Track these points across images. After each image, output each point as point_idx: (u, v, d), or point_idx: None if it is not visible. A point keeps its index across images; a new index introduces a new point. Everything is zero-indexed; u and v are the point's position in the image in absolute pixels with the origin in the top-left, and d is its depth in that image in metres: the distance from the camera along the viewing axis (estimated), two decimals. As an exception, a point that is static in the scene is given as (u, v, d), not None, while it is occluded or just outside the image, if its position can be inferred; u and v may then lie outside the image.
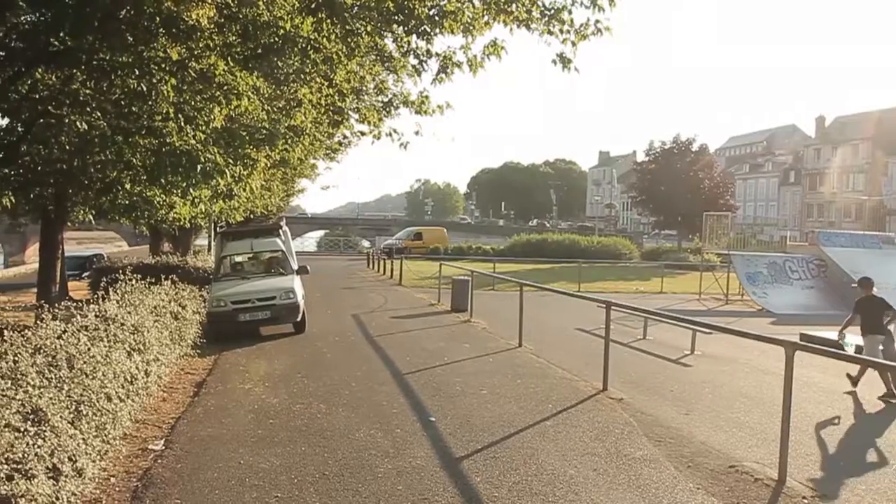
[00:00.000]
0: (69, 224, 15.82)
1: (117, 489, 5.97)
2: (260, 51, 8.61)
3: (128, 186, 11.33)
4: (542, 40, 9.02)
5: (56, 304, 8.35)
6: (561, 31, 8.83)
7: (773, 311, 23.72)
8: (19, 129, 10.88)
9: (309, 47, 8.82)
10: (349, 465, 6.59)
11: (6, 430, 4.36)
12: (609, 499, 5.92)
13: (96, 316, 8.00)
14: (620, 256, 46.06)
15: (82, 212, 14.85)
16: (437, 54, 9.28)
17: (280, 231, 16.71)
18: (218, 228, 18.85)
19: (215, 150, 9.16)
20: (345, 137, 22.70)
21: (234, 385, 9.87)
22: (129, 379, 7.25)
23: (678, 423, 8.42)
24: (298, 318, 14.15)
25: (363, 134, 12.47)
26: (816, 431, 8.51)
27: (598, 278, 32.42)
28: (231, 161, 9.71)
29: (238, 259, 16.40)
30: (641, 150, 62.15)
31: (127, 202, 13.28)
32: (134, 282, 10.35)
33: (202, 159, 8.80)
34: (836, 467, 7.22)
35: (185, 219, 15.42)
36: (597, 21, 8.71)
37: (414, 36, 9.25)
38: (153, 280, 11.20)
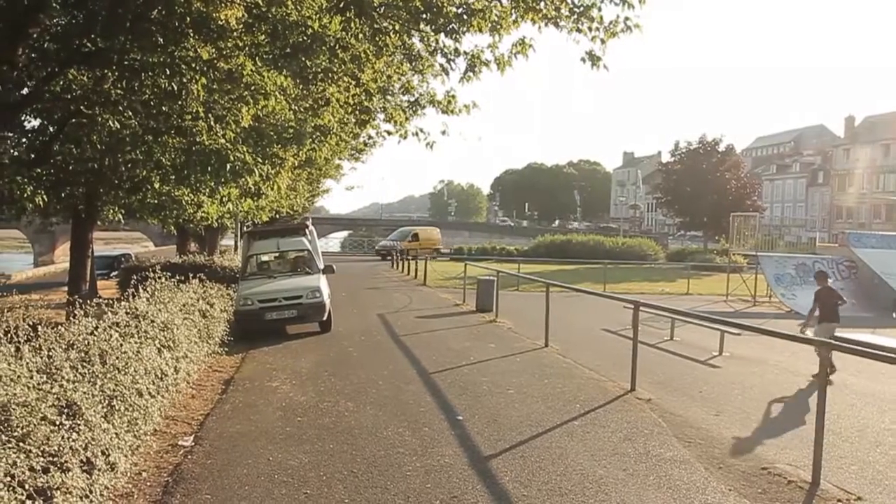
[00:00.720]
0: (99, 223, 15.99)
1: (148, 484, 6.02)
2: (289, 50, 8.64)
3: (157, 186, 11.45)
4: (571, 38, 8.96)
5: (87, 302, 8.44)
6: (590, 28, 8.77)
7: (802, 313, 23.29)
8: (51, 129, 11.05)
9: (337, 46, 8.85)
10: (377, 462, 6.59)
11: (42, 423, 4.41)
12: (640, 499, 5.86)
13: (127, 313, 8.08)
14: (645, 258, 45.68)
15: (112, 211, 15.03)
16: (465, 52, 9.28)
17: (306, 230, 16.80)
18: (244, 228, 18.98)
19: (244, 149, 9.22)
20: (370, 138, 22.81)
21: (262, 383, 9.92)
22: (160, 375, 7.31)
23: (708, 424, 8.32)
24: (324, 317, 14.19)
25: (389, 133, 12.50)
26: (850, 434, 8.36)
27: (623, 279, 32.21)
28: (259, 160, 9.76)
29: (265, 258, 16.50)
30: (666, 151, 61.76)
31: (156, 201, 13.41)
32: (163, 280, 10.43)
33: (231, 158, 8.86)
34: (871, 470, 7.08)
35: (212, 218, 15.54)
36: (626, 18, 8.63)
37: (442, 34, 9.25)
38: (181, 279, 11.29)
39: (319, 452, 6.87)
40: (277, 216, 29.63)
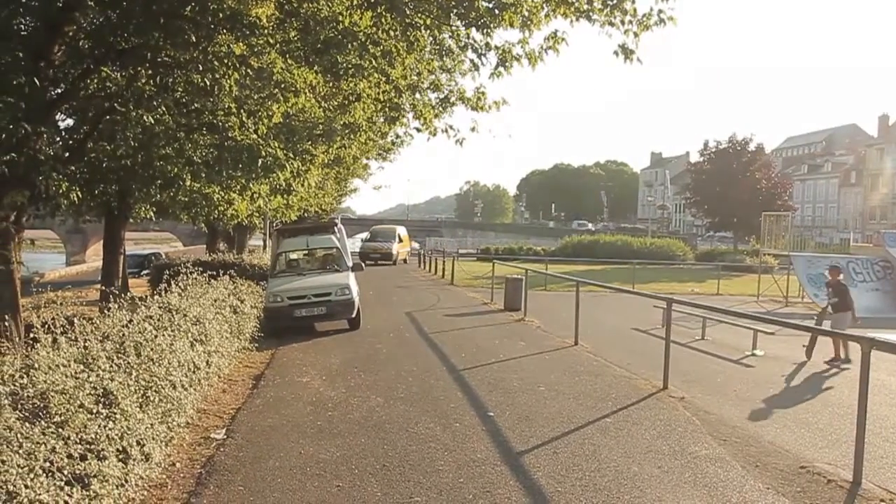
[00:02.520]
0: (131, 221, 16.18)
1: (182, 475, 6.05)
2: (320, 46, 8.65)
3: (188, 183, 11.53)
4: (603, 32, 8.91)
5: (121, 296, 8.53)
6: (623, 21, 8.70)
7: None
8: (85, 127, 11.18)
9: (368, 42, 8.85)
10: (409, 457, 6.56)
11: (80, 410, 4.44)
12: (676, 496, 5.76)
13: (160, 307, 8.14)
14: (674, 258, 45.26)
15: (144, 209, 15.21)
16: (497, 47, 9.22)
17: (335, 229, 16.87)
18: (273, 227, 19.10)
19: (275, 145, 9.26)
20: (398, 137, 22.83)
21: (292, 378, 9.95)
22: (192, 368, 7.35)
23: (742, 423, 8.19)
24: (353, 315, 14.21)
25: (419, 130, 12.43)
26: (891, 434, 8.17)
27: (652, 280, 31.93)
28: (291, 155, 9.80)
29: (294, 256, 16.57)
30: (695, 151, 61.12)
31: (187, 199, 13.53)
32: (196, 275, 10.50)
33: (263, 153, 8.90)
34: (913, 471, 6.92)
35: (242, 216, 15.64)
36: (660, 11, 8.57)
37: (473, 29, 9.22)
38: (212, 274, 11.37)
39: (351, 446, 6.85)
40: (305, 215, 29.79)
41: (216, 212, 14.82)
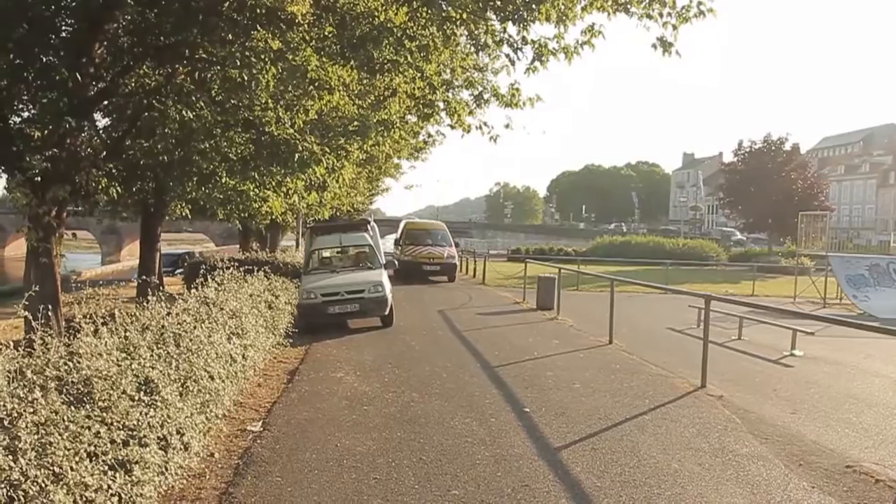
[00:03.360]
0: (167, 218, 16.38)
1: (220, 465, 6.08)
2: (356, 41, 8.66)
3: (224, 179, 11.63)
4: (641, 25, 8.79)
5: (158, 288, 8.62)
6: (661, 14, 8.57)
7: (876, 316, 22.45)
8: (124, 125, 11.33)
9: (404, 36, 8.83)
10: (446, 451, 6.53)
11: (122, 397, 4.47)
12: (718, 494, 5.65)
13: (197, 300, 8.20)
14: (707, 259, 44.64)
15: (179, 206, 15.40)
16: (533, 41, 9.15)
17: (368, 226, 16.92)
18: (307, 225, 19.20)
19: (312, 139, 9.29)
20: (429, 136, 22.84)
21: (327, 373, 9.97)
22: (229, 361, 7.39)
23: (784, 422, 8.02)
24: (386, 312, 14.21)
25: (452, 127, 12.39)
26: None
27: (685, 280, 31.49)
28: (327, 150, 9.83)
29: (327, 253, 16.65)
30: (729, 151, 60.32)
31: (222, 196, 13.65)
32: (232, 270, 10.57)
33: (299, 148, 8.94)
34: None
35: (277, 213, 15.73)
36: (699, 2, 8.43)
37: (509, 23, 9.16)
38: (247, 270, 11.44)
39: (387, 440, 6.83)
40: (338, 214, 29.95)
41: (251, 209, 14.93)
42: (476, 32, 9.25)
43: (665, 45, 8.57)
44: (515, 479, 5.83)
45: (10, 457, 3.10)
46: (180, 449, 5.36)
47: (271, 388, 9.06)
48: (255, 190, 12.79)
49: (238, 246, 31.03)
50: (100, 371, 4.39)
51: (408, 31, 8.88)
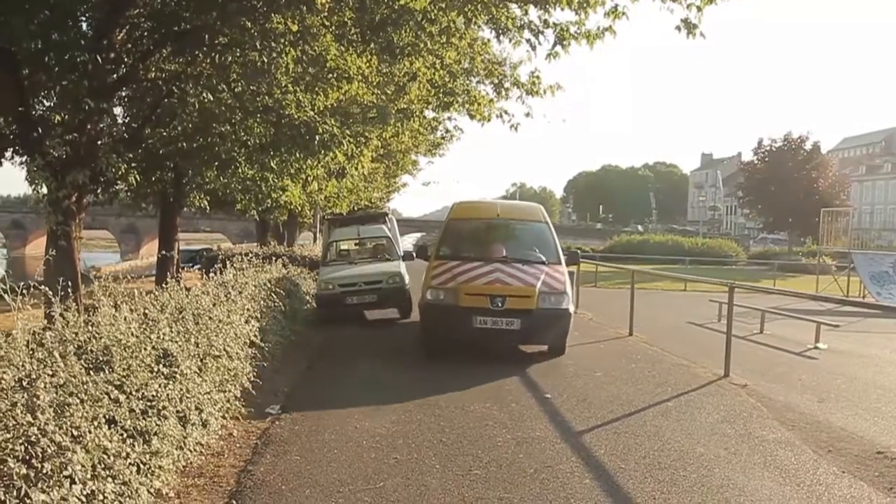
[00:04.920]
0: (187, 208, 16.41)
1: (238, 445, 6.02)
2: (376, 23, 8.59)
3: (243, 166, 11.61)
4: (665, 7, 8.65)
5: (178, 271, 8.60)
6: (684, -6, 8.42)
7: (900, 313, 22.12)
8: (144, 113, 11.33)
9: (424, 20, 8.75)
10: (467, 433, 6.44)
11: (141, 367, 4.42)
12: (746, 477, 5.53)
13: (216, 284, 8.17)
14: (726, 259, 44.23)
15: (198, 197, 15.41)
16: (555, 24, 9.04)
17: (385, 219, 16.89)
18: (325, 218, 19.21)
19: (332, 122, 9.26)
20: (447, 131, 22.72)
21: (345, 359, 9.92)
22: (248, 343, 7.34)
23: (811, 410, 7.87)
24: (404, 303, 14.15)
25: (472, 117, 12.31)
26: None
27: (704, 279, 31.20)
28: (347, 133, 9.79)
29: (345, 245, 16.63)
30: (748, 150, 59.81)
31: (241, 186, 13.66)
32: (250, 257, 10.54)
33: (320, 130, 8.90)
34: None
35: (295, 202, 15.71)
36: (724, -19, 8.26)
37: (531, 6, 9.06)
38: (265, 258, 11.44)
39: (407, 422, 6.76)
40: (355, 209, 30.01)
41: (269, 199, 14.92)
42: (496, 16, 9.14)
43: (689, 26, 8.41)
44: (537, 460, 5.73)
45: (29, 415, 3.05)
46: (199, 425, 5.32)
47: (290, 373, 8.99)
48: (274, 179, 12.76)
49: (256, 244, 31.17)
50: (119, 340, 4.34)
51: (428, 15, 8.80)
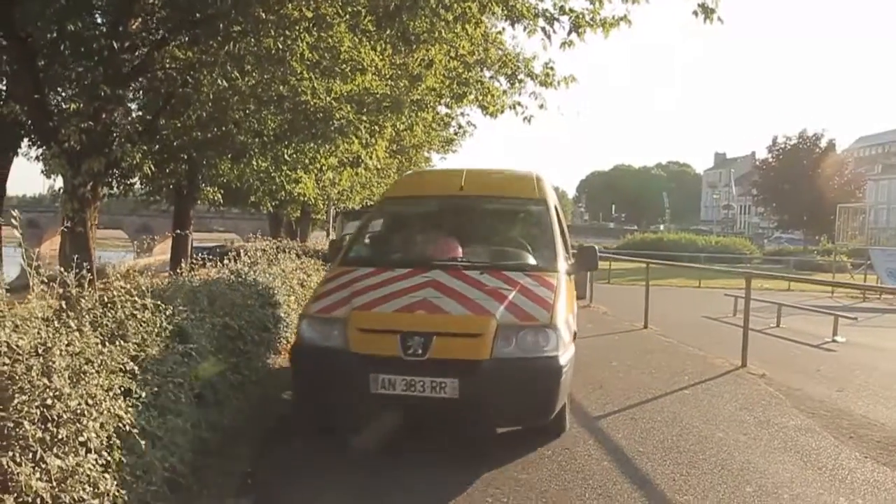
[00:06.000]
0: (200, 201, 16.45)
1: (251, 426, 5.98)
2: (392, 9, 8.55)
3: (256, 158, 11.61)
4: (681, -8, 8.57)
5: (190, 260, 8.61)
6: (701, -24, 8.35)
7: (919, 309, 21.88)
8: (158, 103, 11.35)
9: (439, 6, 8.71)
10: (481, 417, 6.38)
11: (156, 341, 4.39)
12: (766, 461, 5.45)
13: (230, 271, 8.16)
14: (741, 257, 43.85)
15: (212, 191, 15.44)
16: (571, 10, 8.98)
17: None
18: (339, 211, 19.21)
19: (348, 108, 9.24)
20: (460, 127, 22.65)
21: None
22: (263, 328, 7.33)
23: (831, 398, 7.76)
24: None
25: (485, 108, 12.24)
26: None
27: (719, 276, 30.98)
28: (363, 118, 9.77)
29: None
30: (762, 149, 59.42)
31: (254, 179, 13.67)
32: (265, 244, 10.54)
33: (336, 115, 8.89)
34: None
35: (310, 194, 15.69)
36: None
37: (546, -7, 9.01)
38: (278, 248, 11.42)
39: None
40: (367, 205, 30.04)
41: (283, 191, 14.93)
42: (512, 2, 9.08)
43: (707, 11, 8.32)
44: (556, 443, 5.68)
45: (45, 378, 3.03)
46: (213, 404, 5.29)
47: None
48: (288, 171, 12.77)
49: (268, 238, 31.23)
50: (134, 314, 4.32)
51: (444, 2, 8.75)
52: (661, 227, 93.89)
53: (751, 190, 62.09)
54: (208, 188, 15.20)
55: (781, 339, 12.76)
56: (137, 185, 13.83)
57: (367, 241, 7.48)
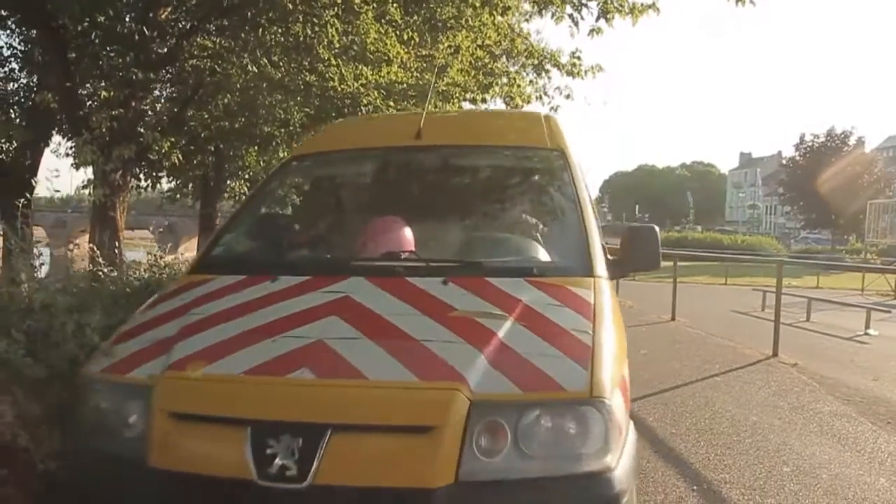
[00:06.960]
0: (226, 195, 16.57)
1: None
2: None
3: (283, 148, 11.65)
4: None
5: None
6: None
7: (951, 307, 21.46)
8: (187, 93, 11.44)
9: (467, -8, 8.71)
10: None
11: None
12: (803, 444, 5.35)
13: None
14: (768, 256, 43.33)
15: (238, 184, 15.54)
16: (599, -5, 8.93)
17: None
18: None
19: (375, 94, 9.26)
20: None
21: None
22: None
23: (866, 387, 7.61)
24: None
25: (511, 98, 12.19)
26: None
27: (744, 274, 30.66)
28: (391, 104, 9.79)
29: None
30: (788, 149, 58.80)
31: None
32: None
33: (364, 101, 8.91)
34: None
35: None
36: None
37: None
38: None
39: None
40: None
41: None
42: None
43: (739, -6, 8.26)
44: (586, 424, 5.61)
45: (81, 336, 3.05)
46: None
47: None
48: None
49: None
50: (165, 291, 4.33)
51: (470, -12, 8.75)
52: (699, 227, 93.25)
53: (777, 189, 61.44)
54: (234, 183, 15.29)
55: (812, 331, 12.58)
56: (165, 179, 13.94)
57: (246, 228, 4.02)
